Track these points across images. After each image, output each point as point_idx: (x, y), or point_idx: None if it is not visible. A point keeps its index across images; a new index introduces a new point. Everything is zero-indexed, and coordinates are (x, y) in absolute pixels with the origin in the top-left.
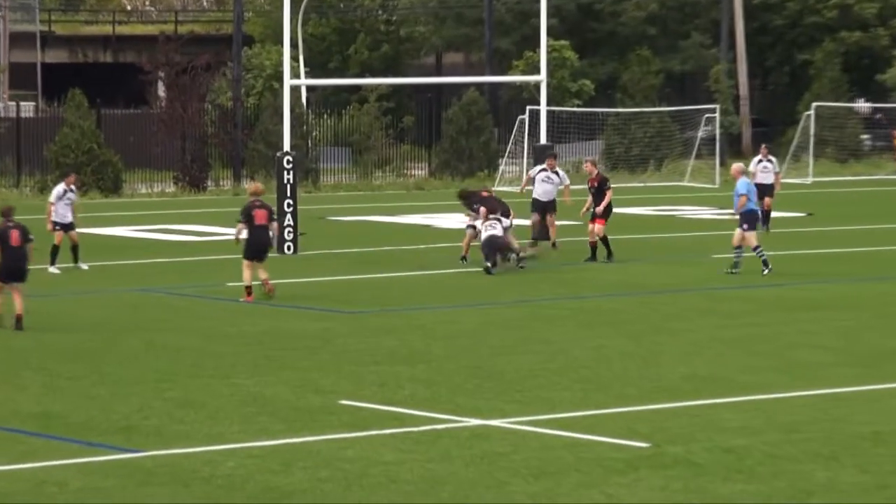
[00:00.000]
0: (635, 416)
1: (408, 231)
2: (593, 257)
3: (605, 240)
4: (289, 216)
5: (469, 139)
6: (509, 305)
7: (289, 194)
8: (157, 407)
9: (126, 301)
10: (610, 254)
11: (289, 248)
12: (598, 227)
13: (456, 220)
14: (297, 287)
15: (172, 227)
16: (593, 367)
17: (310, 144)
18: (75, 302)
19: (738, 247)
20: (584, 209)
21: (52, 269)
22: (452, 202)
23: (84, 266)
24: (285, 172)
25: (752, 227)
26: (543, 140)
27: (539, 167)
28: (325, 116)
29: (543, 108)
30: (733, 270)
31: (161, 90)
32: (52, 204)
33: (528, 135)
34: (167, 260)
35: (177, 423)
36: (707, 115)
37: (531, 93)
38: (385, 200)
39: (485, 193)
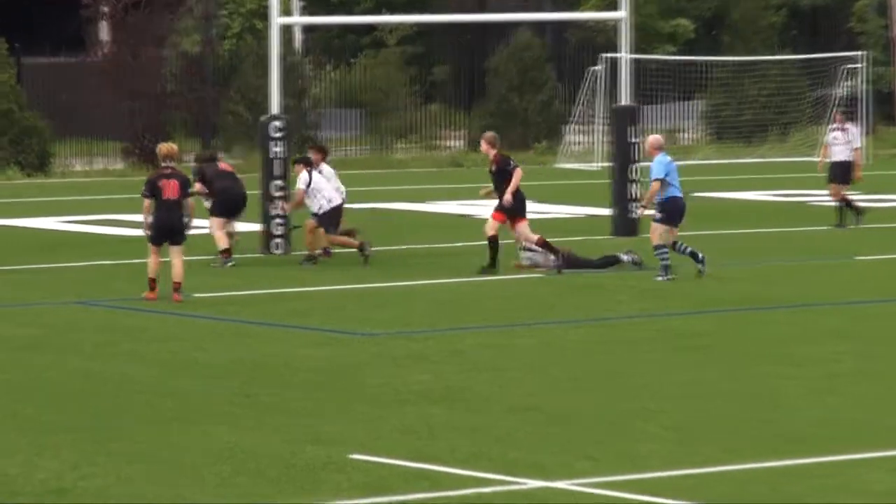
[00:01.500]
0: (748, 476)
1: (440, 223)
2: (493, 264)
3: (546, 244)
4: (278, 203)
5: (523, 98)
6: (576, 325)
7: (278, 173)
8: (100, 463)
9: (58, 318)
10: (558, 253)
11: (277, 246)
12: (492, 223)
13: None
14: (290, 299)
15: (119, 217)
16: (688, 410)
17: (307, 105)
18: None
19: (659, 246)
20: (484, 192)
21: None
22: None
23: None
24: (273, 143)
25: (670, 220)
26: (625, 99)
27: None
28: (328, 67)
29: (625, 55)
30: (663, 277)
31: (104, 32)
32: None
33: (603, 93)
34: (113, 262)
35: (125, 483)
36: (848, 66)
37: (608, 35)
38: (409, 181)
39: None
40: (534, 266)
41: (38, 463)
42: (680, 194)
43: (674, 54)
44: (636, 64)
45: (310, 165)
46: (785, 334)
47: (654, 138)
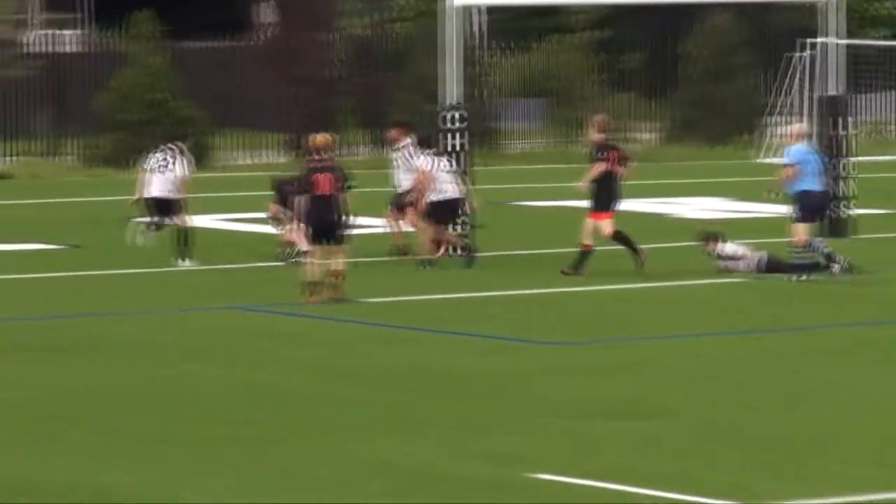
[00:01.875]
0: None
1: (630, 222)
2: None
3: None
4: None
5: (720, 86)
6: (779, 333)
7: (458, 168)
8: (261, 480)
9: (209, 323)
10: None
11: (455, 248)
12: (598, 223)
13: (702, 207)
14: (462, 304)
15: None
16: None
17: (486, 94)
18: (137, 323)
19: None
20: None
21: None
22: (694, 179)
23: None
24: (450, 135)
25: (807, 216)
26: (835, 88)
27: None
28: (509, 53)
29: (835, 41)
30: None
31: (266, 13)
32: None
33: (810, 81)
34: (272, 263)
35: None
36: None
37: (813, 18)
38: None
39: None
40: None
41: (200, 482)
42: (818, 188)
43: (887, 39)
44: (847, 51)
45: (427, 146)
46: None
47: (798, 126)
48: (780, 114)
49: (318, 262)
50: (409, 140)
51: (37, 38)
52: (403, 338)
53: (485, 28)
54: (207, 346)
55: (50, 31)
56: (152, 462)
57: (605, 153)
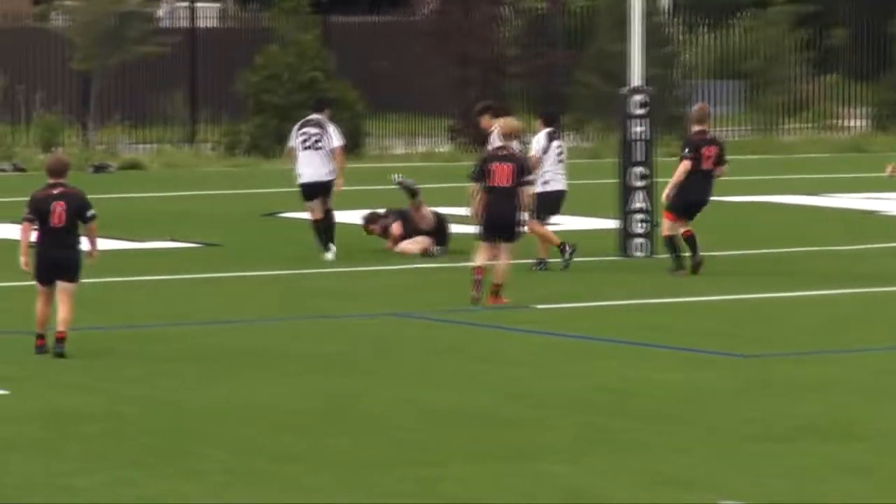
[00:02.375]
0: None
1: (841, 219)
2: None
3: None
4: (640, 194)
5: None
6: None
7: (640, 157)
8: None
9: (369, 332)
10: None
11: (640, 247)
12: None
13: None
14: (655, 311)
15: (446, 209)
16: None
17: (676, 75)
18: (289, 329)
19: None
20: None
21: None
22: None
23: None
24: (633, 122)
25: None
26: None
27: None
28: (702, 30)
29: None
30: None
31: None
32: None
33: None
34: (433, 266)
35: None
36: None
37: None
38: (802, 168)
39: None
40: None
41: None
42: None
43: None
44: None
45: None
46: None
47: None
48: None
49: (485, 260)
50: (497, 128)
51: (173, 12)
52: (592, 351)
53: (679, 1)
54: (359, 358)
55: (187, 4)
56: (295, 488)
57: (697, 149)
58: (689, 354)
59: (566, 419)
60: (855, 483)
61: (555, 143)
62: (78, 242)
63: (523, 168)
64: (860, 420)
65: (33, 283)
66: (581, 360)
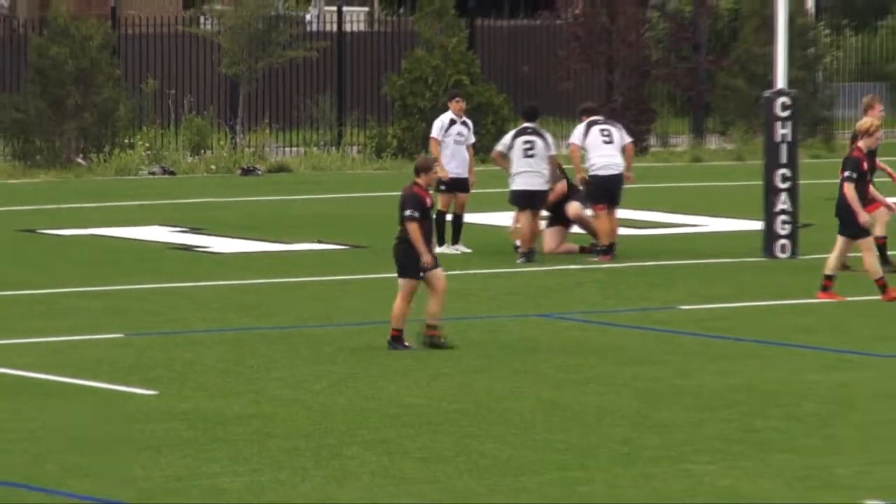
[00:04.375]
0: None
1: None
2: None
3: None
4: (783, 196)
5: None
6: None
7: (784, 160)
8: None
9: (515, 334)
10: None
11: (784, 248)
12: None
13: None
14: (794, 312)
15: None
16: None
17: (820, 78)
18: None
19: None
20: None
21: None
22: None
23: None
24: (778, 124)
25: None
26: None
27: None
28: (848, 32)
29: None
30: None
31: None
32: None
33: None
34: (582, 267)
35: None
36: None
37: None
38: None
39: None
40: None
41: None
42: None
43: None
44: None
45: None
46: None
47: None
48: None
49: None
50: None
51: (320, 14)
52: (740, 352)
53: (825, 3)
54: (505, 360)
55: (335, 8)
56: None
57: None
58: (834, 355)
59: (711, 420)
60: None
61: (521, 139)
62: None
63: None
64: None
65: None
66: (725, 360)
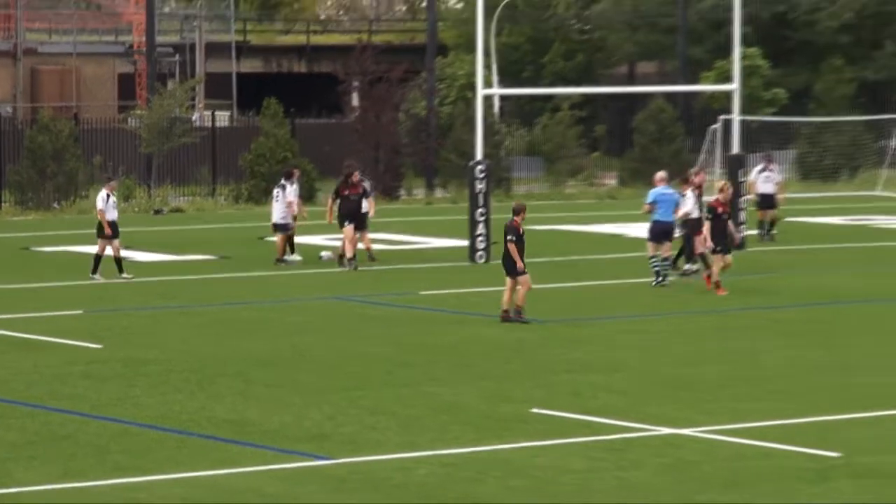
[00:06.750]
0: (827, 426)
1: (599, 240)
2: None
3: None
4: (481, 226)
5: (660, 148)
6: (699, 314)
7: (481, 203)
8: (351, 415)
9: (321, 309)
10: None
11: (481, 257)
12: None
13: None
14: (491, 296)
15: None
16: (785, 378)
17: (502, 154)
18: (273, 309)
19: (651, 257)
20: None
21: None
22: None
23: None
24: (477, 182)
25: (652, 238)
26: (736, 149)
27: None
28: (518, 126)
29: (736, 117)
30: (655, 282)
31: (355, 100)
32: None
33: (721, 144)
34: (364, 269)
35: (369, 430)
36: None
37: (723, 102)
38: (576, 209)
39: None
40: None
41: (307, 414)
42: (664, 219)
43: (772, 115)
44: (744, 123)
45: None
46: (862, 322)
47: (658, 174)
48: (702, 167)
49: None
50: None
51: (201, 116)
52: (454, 321)
53: (504, 109)
54: (317, 325)
55: (209, 112)
56: (277, 403)
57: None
58: (510, 322)
59: (440, 361)
60: (613, 399)
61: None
62: None
63: None
64: (616, 360)
65: None
66: (447, 327)
